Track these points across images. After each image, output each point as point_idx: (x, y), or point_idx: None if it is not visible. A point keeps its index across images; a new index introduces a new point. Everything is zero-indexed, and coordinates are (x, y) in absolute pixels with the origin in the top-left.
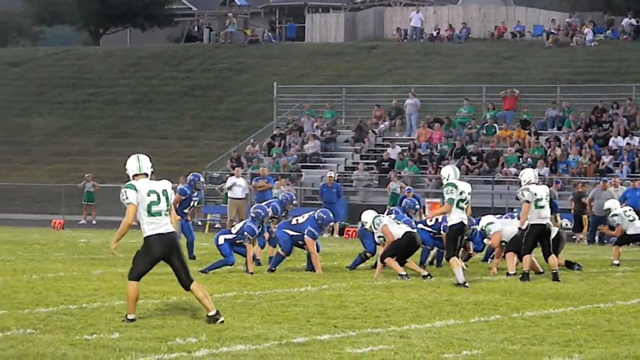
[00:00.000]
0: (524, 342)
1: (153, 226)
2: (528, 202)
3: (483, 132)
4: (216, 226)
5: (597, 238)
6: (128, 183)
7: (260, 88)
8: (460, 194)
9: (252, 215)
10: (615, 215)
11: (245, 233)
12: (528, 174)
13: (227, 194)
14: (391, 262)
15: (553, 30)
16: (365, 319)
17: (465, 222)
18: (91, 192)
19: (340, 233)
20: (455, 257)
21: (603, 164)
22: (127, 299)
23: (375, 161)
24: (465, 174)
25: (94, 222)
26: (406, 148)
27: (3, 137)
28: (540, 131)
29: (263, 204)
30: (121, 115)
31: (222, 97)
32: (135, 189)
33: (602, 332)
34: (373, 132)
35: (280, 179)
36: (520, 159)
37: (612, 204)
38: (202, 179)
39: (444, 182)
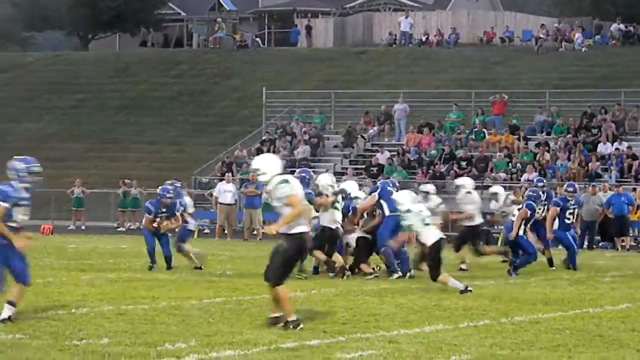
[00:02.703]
0: (513, 347)
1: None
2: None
3: (472, 137)
4: (205, 232)
5: (585, 243)
6: (284, 178)
7: (250, 93)
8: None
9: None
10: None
11: None
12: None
13: (216, 199)
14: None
15: (542, 36)
16: (355, 324)
17: (441, 236)
18: (80, 198)
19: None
20: (442, 273)
21: (592, 169)
22: (282, 303)
23: (364, 166)
24: (455, 179)
25: (83, 227)
26: (395, 153)
27: None
28: (529, 136)
29: None
30: (110, 121)
31: (211, 102)
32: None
33: (591, 337)
34: (362, 137)
35: None
36: (510, 164)
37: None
38: (169, 194)
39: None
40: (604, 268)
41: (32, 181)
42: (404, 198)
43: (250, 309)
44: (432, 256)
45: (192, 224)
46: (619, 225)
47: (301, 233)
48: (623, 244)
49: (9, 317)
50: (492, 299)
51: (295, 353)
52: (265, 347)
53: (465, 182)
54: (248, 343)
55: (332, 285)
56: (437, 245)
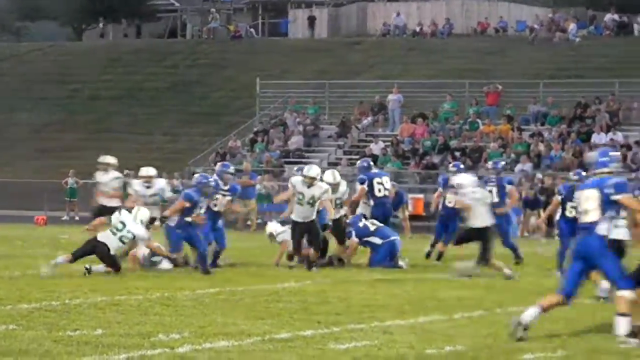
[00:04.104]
0: (507, 338)
1: None
2: None
3: (466, 128)
4: None
5: None
6: None
7: (244, 84)
8: None
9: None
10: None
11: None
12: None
13: None
14: None
15: (536, 26)
16: (349, 315)
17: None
18: (74, 188)
19: (324, 229)
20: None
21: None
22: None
23: (358, 157)
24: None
25: (76, 218)
26: (389, 143)
27: None
28: (523, 127)
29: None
30: (104, 111)
31: (205, 92)
32: None
33: (586, 327)
34: (356, 127)
35: (264, 174)
36: (504, 154)
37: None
38: (207, 180)
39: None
40: None
41: None
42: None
43: (244, 300)
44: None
45: None
46: None
47: None
48: None
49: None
50: (486, 290)
51: (289, 343)
52: (259, 337)
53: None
54: (242, 334)
55: (327, 275)
56: (96, 243)
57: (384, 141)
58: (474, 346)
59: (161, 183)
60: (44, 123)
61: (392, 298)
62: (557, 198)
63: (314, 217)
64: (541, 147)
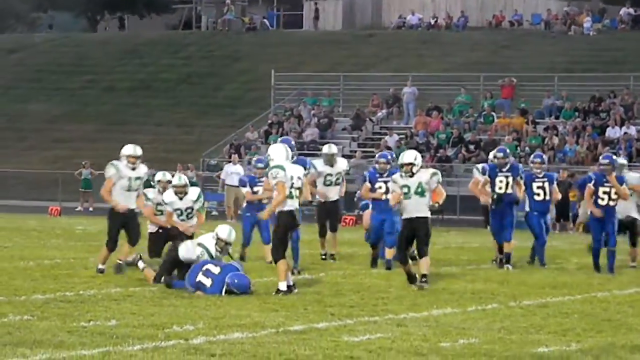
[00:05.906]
0: (521, 331)
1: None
2: None
3: (480, 121)
4: (213, 213)
5: None
6: (276, 164)
7: (258, 75)
8: (291, 178)
9: None
10: None
11: None
12: None
13: (223, 181)
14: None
15: (551, 19)
16: (363, 307)
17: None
18: (88, 179)
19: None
20: (284, 260)
21: (600, 153)
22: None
23: (372, 149)
24: (463, 162)
25: (90, 209)
26: (403, 136)
27: (1, 123)
28: (537, 120)
29: None
30: (118, 103)
31: (219, 84)
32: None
33: (599, 321)
34: (371, 120)
35: None
36: (518, 147)
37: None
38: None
39: (270, 163)
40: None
41: None
42: None
43: (258, 291)
44: None
45: None
46: None
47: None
48: None
49: None
50: (500, 283)
51: (303, 336)
52: (273, 329)
53: None
54: (256, 325)
55: (341, 268)
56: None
57: (398, 134)
58: (488, 340)
59: (144, 168)
60: (58, 114)
61: (405, 290)
62: (590, 186)
63: (426, 212)
64: (555, 140)
